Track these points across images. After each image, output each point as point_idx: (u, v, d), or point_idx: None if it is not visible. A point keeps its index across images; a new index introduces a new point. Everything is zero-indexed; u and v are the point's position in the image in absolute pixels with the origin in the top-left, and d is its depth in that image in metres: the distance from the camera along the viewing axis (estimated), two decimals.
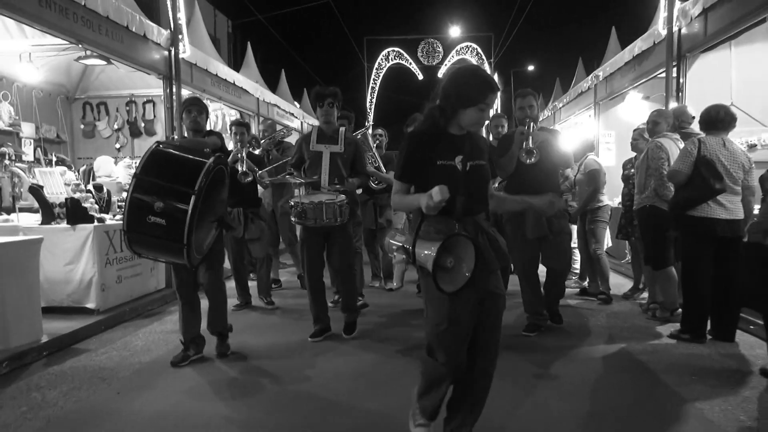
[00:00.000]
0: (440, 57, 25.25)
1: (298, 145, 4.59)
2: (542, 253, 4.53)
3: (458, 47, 25.32)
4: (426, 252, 2.24)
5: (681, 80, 5.97)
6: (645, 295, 5.65)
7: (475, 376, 2.47)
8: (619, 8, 6.55)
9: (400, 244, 2.48)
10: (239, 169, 4.95)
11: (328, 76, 26.20)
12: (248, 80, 9.38)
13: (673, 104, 5.98)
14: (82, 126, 9.45)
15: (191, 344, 4.05)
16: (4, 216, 5.41)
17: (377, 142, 6.11)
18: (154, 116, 9.29)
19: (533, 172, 4.21)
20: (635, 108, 8.42)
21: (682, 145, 4.54)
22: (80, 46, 5.17)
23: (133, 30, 5.71)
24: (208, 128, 4.44)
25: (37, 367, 3.96)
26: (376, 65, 25.72)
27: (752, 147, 5.91)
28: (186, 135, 4.38)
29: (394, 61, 25.88)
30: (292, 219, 4.31)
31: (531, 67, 29.59)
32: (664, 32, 6.13)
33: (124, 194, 4.36)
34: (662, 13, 6.17)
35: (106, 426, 2.97)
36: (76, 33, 4.90)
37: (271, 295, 5.87)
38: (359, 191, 5.47)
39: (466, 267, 2.28)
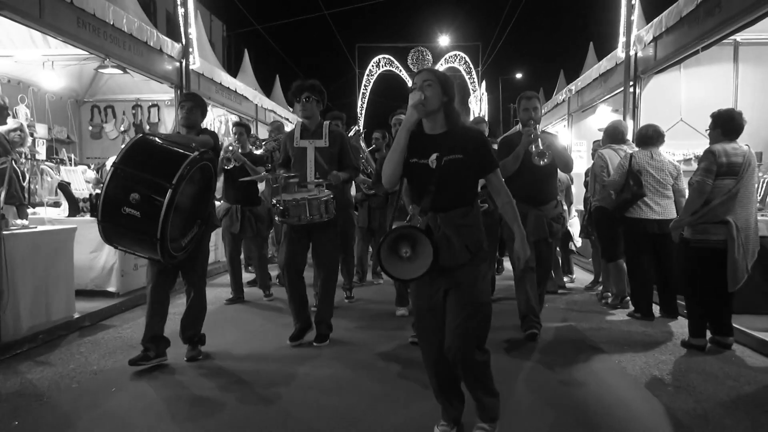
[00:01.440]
0: (429, 65, 25.99)
1: (282, 144, 4.50)
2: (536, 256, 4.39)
3: (447, 55, 26.16)
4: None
5: (637, 98, 6.76)
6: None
7: (455, 367, 2.56)
8: (596, 24, 7.28)
9: None
10: (228, 165, 5.16)
11: (321, 82, 26.90)
12: (248, 88, 10.07)
13: (629, 120, 6.77)
14: (90, 128, 10.06)
15: (150, 344, 3.75)
16: (31, 209, 6.06)
17: (374, 144, 6.32)
18: (159, 119, 9.92)
19: (534, 174, 4.23)
20: (605, 119, 9.20)
21: (622, 154, 5.34)
22: (107, 60, 5.84)
23: (151, 45, 6.41)
24: (211, 131, 4.33)
25: (73, 337, 4.61)
26: (367, 72, 26.45)
27: (687, 160, 6.72)
28: (180, 132, 4.20)
29: (385, 68, 26.62)
30: (276, 219, 4.16)
31: (519, 75, 30.54)
32: (623, 55, 6.93)
33: None
34: (621, 38, 6.96)
35: (144, 377, 3.64)
36: (105, 49, 5.59)
37: (269, 287, 6.11)
38: (352, 190, 5.73)
39: (422, 262, 2.39)
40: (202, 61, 7.83)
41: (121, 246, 3.64)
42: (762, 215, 4.95)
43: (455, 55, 25.98)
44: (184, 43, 7.16)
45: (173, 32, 7.31)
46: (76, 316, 4.93)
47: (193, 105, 4.04)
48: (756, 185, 4.37)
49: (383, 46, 26.85)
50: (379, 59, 26.49)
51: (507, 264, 7.05)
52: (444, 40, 26.69)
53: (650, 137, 5.02)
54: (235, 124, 6.03)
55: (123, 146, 3.45)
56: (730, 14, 4.77)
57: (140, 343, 3.77)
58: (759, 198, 5.29)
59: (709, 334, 4.25)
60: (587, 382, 3.51)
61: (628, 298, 5.53)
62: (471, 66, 25.63)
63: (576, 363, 3.90)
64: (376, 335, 4.65)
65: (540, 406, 3.16)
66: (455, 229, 2.51)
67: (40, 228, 4.73)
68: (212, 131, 4.22)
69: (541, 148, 4.07)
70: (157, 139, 3.90)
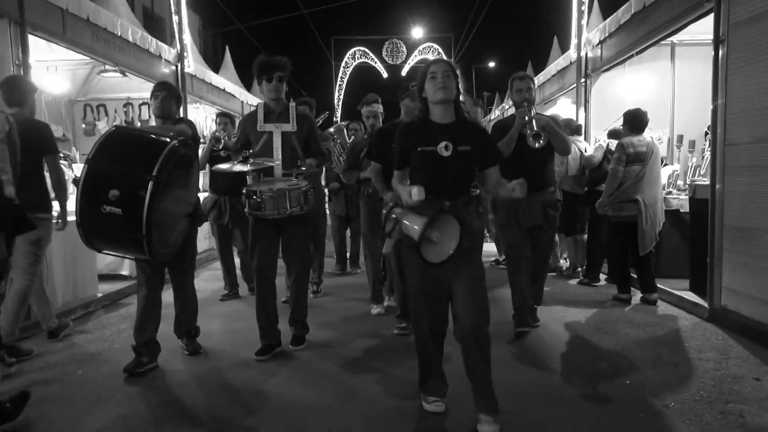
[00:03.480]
0: (404, 56, 26.75)
1: (241, 127, 4.02)
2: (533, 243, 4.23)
3: (421, 47, 26.88)
4: (415, 225, 2.48)
5: (588, 93, 7.63)
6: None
7: (464, 348, 2.69)
8: (560, 19, 8.06)
9: (395, 217, 2.70)
10: (217, 146, 5.14)
11: (298, 74, 27.41)
12: (235, 86, 10.72)
13: (582, 112, 7.65)
14: (83, 125, 10.60)
15: (143, 348, 3.64)
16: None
17: (353, 136, 6.29)
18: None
19: (529, 158, 3.97)
20: (565, 111, 10.08)
21: (581, 145, 6.22)
22: (117, 67, 6.49)
23: (151, 51, 7.06)
24: (189, 120, 4.23)
25: (99, 313, 5.31)
26: (343, 64, 27.07)
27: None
28: (155, 124, 4.06)
29: (360, 60, 27.26)
30: (246, 211, 3.71)
31: (492, 64, 31.42)
32: (574, 55, 7.79)
33: None
34: (573, 40, 7.82)
35: (170, 345, 4.17)
36: (115, 58, 6.26)
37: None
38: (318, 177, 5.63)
39: (450, 243, 2.51)
40: (195, 63, 8.47)
41: (105, 249, 3.44)
42: (678, 194, 5.90)
43: (429, 46, 26.73)
44: (179, 48, 7.82)
45: (150, 26, 7.87)
46: (99, 295, 5.63)
47: (167, 94, 3.84)
48: (661, 169, 5.36)
49: (359, 38, 27.47)
50: (354, 51, 27.12)
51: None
52: (417, 32, 27.42)
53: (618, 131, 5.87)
54: (219, 115, 6.06)
55: (96, 141, 3.21)
56: (656, 25, 5.63)
57: (132, 348, 3.62)
58: (688, 180, 6.24)
59: (640, 294, 5.20)
60: (536, 332, 4.35)
61: (579, 269, 6.44)
62: (443, 57, 26.38)
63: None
64: (352, 334, 4.38)
65: (502, 355, 3.99)
66: (469, 215, 2.68)
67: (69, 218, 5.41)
68: (189, 120, 4.00)
69: (536, 129, 3.81)
70: (131, 130, 3.75)
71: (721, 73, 4.48)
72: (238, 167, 3.67)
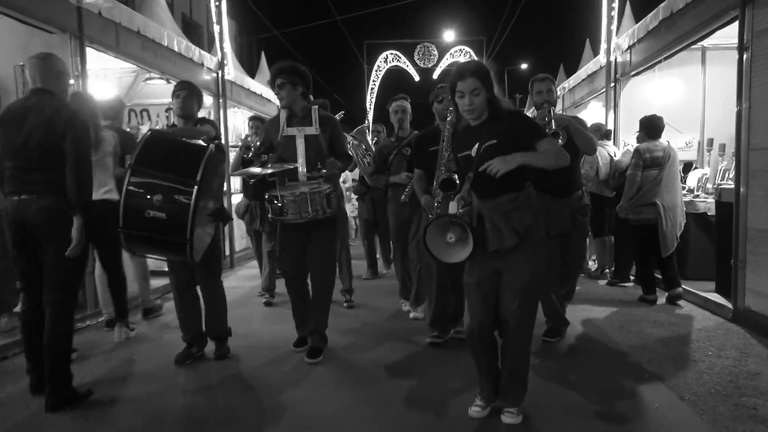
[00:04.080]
0: (435, 60, 26.87)
1: (264, 132, 3.97)
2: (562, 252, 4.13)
3: (452, 50, 26.95)
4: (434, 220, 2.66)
5: (617, 97, 7.73)
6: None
7: (503, 340, 2.81)
8: (592, 22, 8.12)
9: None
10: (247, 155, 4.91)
11: (331, 79, 27.91)
12: (271, 91, 11.07)
13: (611, 116, 7.75)
14: (128, 129, 11.13)
15: (194, 342, 3.89)
16: None
17: (376, 138, 6.33)
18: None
19: None
20: (595, 115, 10.14)
21: (610, 149, 6.36)
22: (163, 76, 6.88)
23: (195, 60, 7.44)
24: (211, 120, 4.29)
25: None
26: (375, 67, 27.33)
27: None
28: (176, 123, 4.09)
29: (392, 64, 27.49)
30: (270, 216, 3.71)
31: (524, 66, 31.33)
32: (604, 60, 7.89)
33: None
34: (603, 45, 7.92)
35: None
36: (163, 68, 6.66)
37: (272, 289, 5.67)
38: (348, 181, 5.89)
39: (464, 250, 2.57)
40: (234, 70, 8.84)
41: (143, 252, 3.58)
42: (705, 197, 5.98)
43: (460, 49, 26.80)
44: (220, 57, 8.20)
45: (189, 32, 8.23)
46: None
47: (188, 93, 3.86)
48: (679, 171, 5.50)
49: (390, 42, 27.73)
50: (386, 55, 27.36)
51: None
52: (449, 35, 27.55)
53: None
54: (251, 118, 6.14)
55: (137, 145, 3.29)
56: (683, 31, 5.72)
57: (183, 340, 3.88)
58: (716, 183, 6.29)
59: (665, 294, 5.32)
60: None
61: (607, 270, 6.56)
62: (473, 59, 26.48)
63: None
64: (381, 341, 4.30)
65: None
66: (504, 215, 2.60)
67: None
68: (212, 120, 4.05)
69: (554, 128, 3.71)
70: (168, 134, 3.75)
71: (745, 79, 4.58)
72: (256, 170, 3.67)
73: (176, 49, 6.85)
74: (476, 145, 2.65)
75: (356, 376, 3.63)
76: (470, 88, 2.62)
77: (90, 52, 5.40)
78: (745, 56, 4.58)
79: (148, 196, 3.09)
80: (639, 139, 5.49)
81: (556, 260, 4.05)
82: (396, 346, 4.17)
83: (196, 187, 3.10)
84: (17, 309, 4.61)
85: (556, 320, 4.19)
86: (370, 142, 5.91)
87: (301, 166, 3.73)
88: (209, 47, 9.21)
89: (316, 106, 3.91)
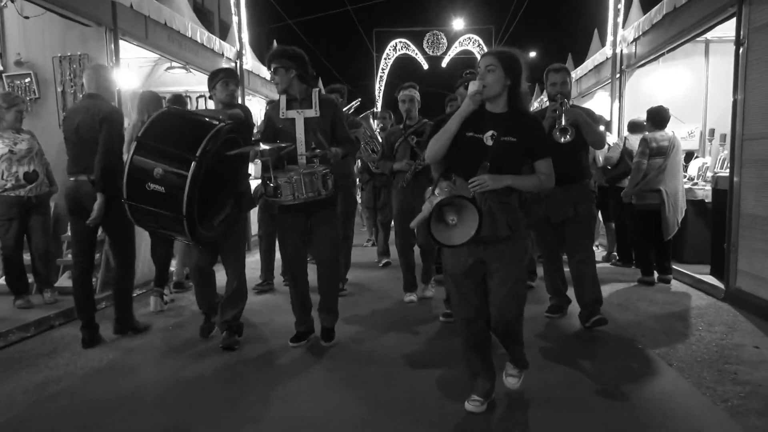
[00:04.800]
0: (444, 48, 27.05)
1: (266, 117, 3.94)
2: (565, 238, 4.23)
3: (461, 39, 27.11)
4: (434, 201, 2.51)
5: (622, 87, 7.99)
6: None
7: (493, 327, 2.78)
8: (600, 13, 8.30)
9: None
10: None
11: (340, 66, 28.09)
12: None
13: (616, 106, 8.02)
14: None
15: (211, 312, 4.04)
16: None
17: (382, 125, 6.35)
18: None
19: (563, 149, 3.84)
20: (602, 105, 10.39)
21: (609, 139, 6.63)
22: (186, 65, 7.21)
23: (215, 50, 7.76)
24: (244, 105, 4.41)
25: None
26: (384, 55, 27.53)
27: None
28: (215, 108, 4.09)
29: (401, 52, 27.67)
30: (265, 198, 3.64)
31: (532, 54, 31.39)
32: (610, 51, 8.14)
33: None
34: (609, 38, 8.17)
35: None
36: (186, 58, 6.99)
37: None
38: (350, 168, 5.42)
39: (467, 230, 2.50)
40: (252, 59, 9.15)
41: (151, 225, 3.60)
42: (703, 185, 6.27)
43: (469, 38, 26.96)
44: (238, 47, 8.52)
45: (200, 20, 8.43)
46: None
47: (237, 83, 4.03)
48: (682, 161, 5.82)
49: (400, 30, 27.89)
50: (395, 43, 27.55)
51: None
52: (458, 23, 27.65)
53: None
54: (269, 102, 5.92)
55: (147, 120, 3.44)
56: (686, 25, 5.96)
57: (201, 312, 4.10)
58: (715, 170, 6.57)
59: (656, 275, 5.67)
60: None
61: (615, 252, 6.87)
62: (484, 48, 26.58)
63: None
64: (386, 328, 4.30)
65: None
66: (499, 205, 2.64)
67: None
68: (244, 105, 4.08)
69: (563, 124, 3.74)
70: (182, 111, 3.96)
71: (741, 72, 4.85)
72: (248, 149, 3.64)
73: (198, 39, 7.18)
74: (490, 132, 2.64)
75: (358, 370, 3.47)
76: (486, 63, 2.66)
77: (120, 44, 5.72)
78: (741, 50, 4.84)
79: (150, 170, 3.13)
80: (645, 128, 5.75)
81: (558, 245, 4.36)
82: (398, 336, 4.12)
83: (194, 162, 3.06)
84: (58, 284, 5.02)
85: (558, 298, 4.51)
86: (375, 129, 5.91)
87: (300, 149, 3.70)
88: (220, 34, 9.50)
89: (317, 89, 3.87)
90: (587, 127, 3.94)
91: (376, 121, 6.62)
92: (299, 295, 3.93)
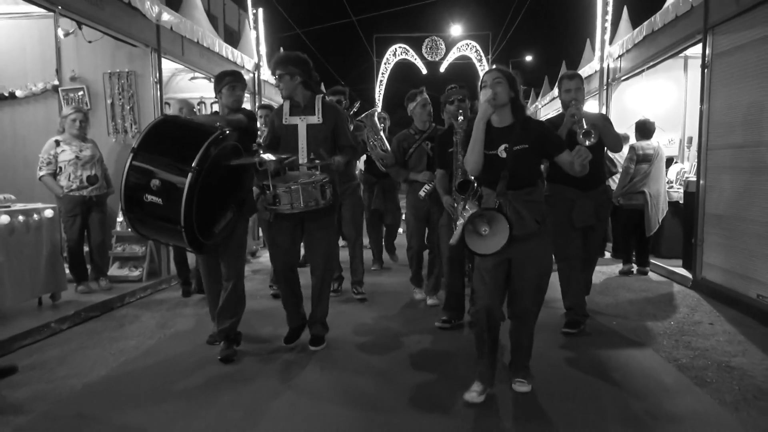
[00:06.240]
0: (443, 53, 27.78)
1: (269, 122, 3.92)
2: (584, 244, 4.26)
3: (459, 44, 27.87)
4: (467, 213, 2.77)
5: (609, 99, 8.76)
6: None
7: (513, 322, 3.10)
8: (592, 23, 8.99)
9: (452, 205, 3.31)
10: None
11: (342, 71, 28.85)
12: None
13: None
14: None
15: (232, 334, 3.82)
16: None
17: (382, 124, 6.05)
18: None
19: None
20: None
21: None
22: (208, 75, 7.94)
23: (237, 63, 8.50)
24: (249, 110, 4.08)
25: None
26: (384, 60, 28.24)
27: None
28: (218, 111, 4.08)
29: (401, 57, 28.39)
30: (265, 207, 3.64)
31: (528, 58, 32.22)
32: (598, 66, 8.92)
33: None
34: (597, 53, 8.94)
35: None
36: (213, 71, 7.65)
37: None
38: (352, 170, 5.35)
39: (499, 239, 2.71)
40: (268, 71, 9.89)
41: (152, 236, 3.53)
42: (678, 188, 7.03)
43: (467, 43, 27.72)
44: (257, 59, 9.26)
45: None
46: None
47: (243, 87, 3.90)
48: (665, 167, 6.57)
49: (399, 36, 28.64)
50: (395, 48, 28.25)
51: None
52: (456, 29, 28.46)
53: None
54: (261, 107, 6.42)
55: (142, 129, 3.35)
56: (662, 47, 6.74)
57: (221, 336, 3.77)
58: (685, 173, 7.33)
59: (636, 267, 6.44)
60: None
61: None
62: (482, 54, 27.38)
63: None
64: (389, 332, 4.25)
65: None
66: (524, 204, 2.89)
67: None
68: (250, 111, 4.01)
69: (586, 127, 3.66)
70: (180, 119, 3.83)
71: (706, 91, 5.61)
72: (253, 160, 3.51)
73: (223, 54, 7.93)
74: (503, 146, 2.88)
75: (354, 375, 3.43)
76: (494, 77, 2.91)
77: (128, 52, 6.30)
78: (706, 72, 5.61)
79: (147, 182, 3.03)
80: (636, 139, 6.52)
81: (580, 250, 4.23)
82: (408, 339, 4.15)
83: (190, 173, 2.96)
84: (110, 273, 5.74)
85: (577, 310, 4.21)
86: (378, 126, 5.68)
87: (302, 156, 3.67)
88: (225, 39, 10.19)
89: (320, 95, 3.83)
90: (606, 131, 3.96)
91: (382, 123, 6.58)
92: (290, 294, 3.90)
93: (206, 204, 3.13)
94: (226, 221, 3.45)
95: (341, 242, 5.41)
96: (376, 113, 6.00)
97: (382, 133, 5.34)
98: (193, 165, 2.98)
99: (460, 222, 2.76)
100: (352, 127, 5.21)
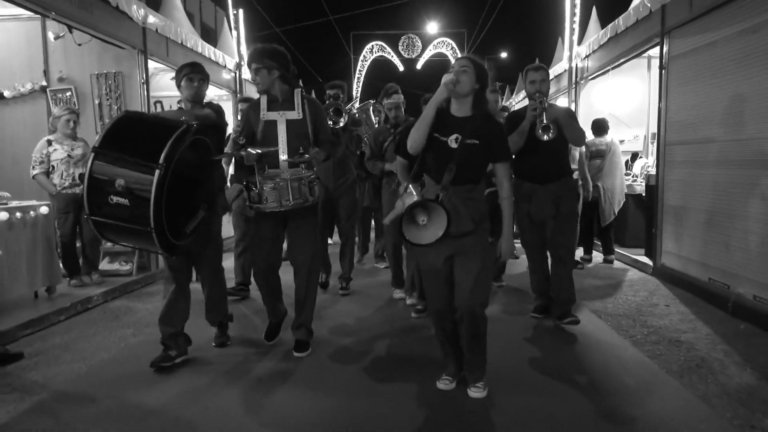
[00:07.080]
0: (419, 50, 28.19)
1: (244, 116, 3.74)
2: (549, 236, 4.25)
3: (435, 42, 28.29)
4: (406, 202, 2.72)
5: (577, 97, 9.18)
6: None
7: (459, 317, 2.92)
8: (563, 23, 9.41)
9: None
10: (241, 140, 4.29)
11: (320, 68, 29.01)
12: None
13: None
14: None
15: (171, 342, 3.55)
16: None
17: (378, 118, 6.14)
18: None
19: (541, 150, 3.97)
20: None
21: None
22: None
23: (219, 63, 8.71)
24: (217, 104, 3.89)
25: None
26: (361, 57, 28.53)
27: None
28: (183, 107, 3.81)
29: (378, 54, 28.72)
30: (248, 204, 3.50)
31: (503, 54, 32.75)
32: (566, 65, 9.33)
33: None
34: (566, 53, 9.36)
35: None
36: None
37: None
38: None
39: (436, 230, 2.68)
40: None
41: (119, 241, 3.26)
42: (640, 181, 7.48)
43: (443, 41, 28.14)
44: (237, 59, 9.47)
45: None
46: None
47: (202, 78, 3.72)
48: (621, 161, 6.98)
49: (376, 33, 28.93)
50: (372, 45, 28.57)
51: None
52: (432, 27, 28.84)
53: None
54: (241, 101, 6.51)
55: (103, 127, 3.30)
56: (625, 48, 7.16)
57: (160, 342, 3.56)
58: (648, 167, 7.77)
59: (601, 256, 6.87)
60: (516, 278, 5.95)
61: None
62: (457, 51, 27.81)
63: (521, 277, 6.38)
64: (368, 328, 4.27)
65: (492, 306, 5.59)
66: (463, 201, 2.83)
67: None
68: (217, 105, 3.86)
69: (546, 122, 3.74)
70: (142, 115, 3.66)
71: (664, 91, 6.03)
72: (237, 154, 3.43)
73: (206, 54, 8.13)
74: (455, 136, 2.80)
75: (348, 375, 3.38)
76: (461, 64, 2.86)
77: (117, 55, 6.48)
78: (664, 73, 6.02)
79: (111, 182, 2.85)
80: (592, 136, 6.93)
81: (542, 243, 4.33)
82: (388, 335, 4.14)
83: (157, 170, 2.81)
84: (101, 267, 5.95)
85: (544, 299, 4.49)
86: (374, 121, 5.78)
87: (282, 152, 3.53)
88: (201, 35, 10.34)
89: (299, 89, 3.69)
90: (567, 125, 3.98)
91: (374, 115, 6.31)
92: (271, 292, 3.84)
93: (175, 203, 2.98)
94: (197, 220, 3.30)
95: (330, 240, 5.62)
96: (371, 106, 6.01)
97: (377, 126, 5.26)
98: (159, 161, 2.83)
99: (399, 204, 2.76)
100: (350, 122, 5.33)
